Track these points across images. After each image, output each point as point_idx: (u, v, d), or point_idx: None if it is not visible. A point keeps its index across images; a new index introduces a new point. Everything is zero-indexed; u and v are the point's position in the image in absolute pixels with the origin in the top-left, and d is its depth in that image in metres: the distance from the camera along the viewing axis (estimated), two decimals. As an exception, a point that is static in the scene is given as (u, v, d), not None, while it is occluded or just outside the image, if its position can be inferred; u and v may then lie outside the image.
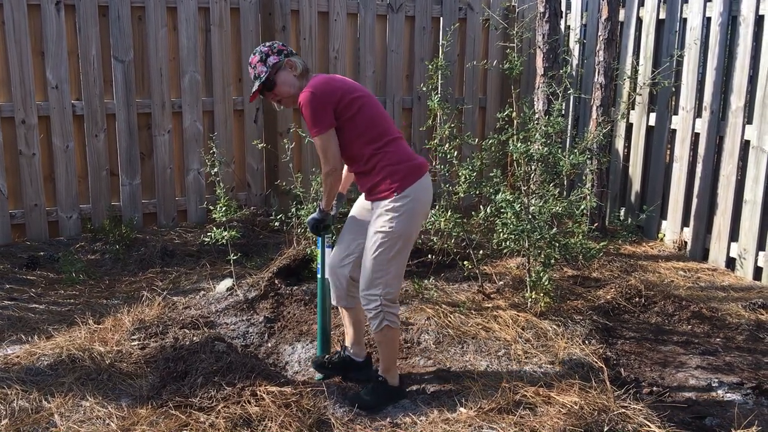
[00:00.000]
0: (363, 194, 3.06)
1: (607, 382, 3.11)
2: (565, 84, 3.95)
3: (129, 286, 4.33)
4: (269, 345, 3.60)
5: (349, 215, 3.13)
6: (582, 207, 3.69)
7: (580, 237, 3.93)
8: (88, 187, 5.13)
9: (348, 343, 3.27)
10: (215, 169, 4.21)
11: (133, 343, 3.46)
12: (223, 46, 5.31)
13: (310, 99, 2.76)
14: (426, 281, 4.15)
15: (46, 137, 4.95)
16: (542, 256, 3.69)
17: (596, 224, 5.06)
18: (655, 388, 3.23)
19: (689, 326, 3.93)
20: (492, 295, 4.12)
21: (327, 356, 3.28)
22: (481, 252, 4.12)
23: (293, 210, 4.41)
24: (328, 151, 2.84)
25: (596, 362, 3.37)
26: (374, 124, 2.87)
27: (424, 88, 4.33)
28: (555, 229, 3.59)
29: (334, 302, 3.18)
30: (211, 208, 4.35)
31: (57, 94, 4.91)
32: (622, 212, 5.63)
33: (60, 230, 5.08)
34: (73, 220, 5.10)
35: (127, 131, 5.15)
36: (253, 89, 2.92)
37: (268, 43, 2.92)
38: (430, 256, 4.23)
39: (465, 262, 4.10)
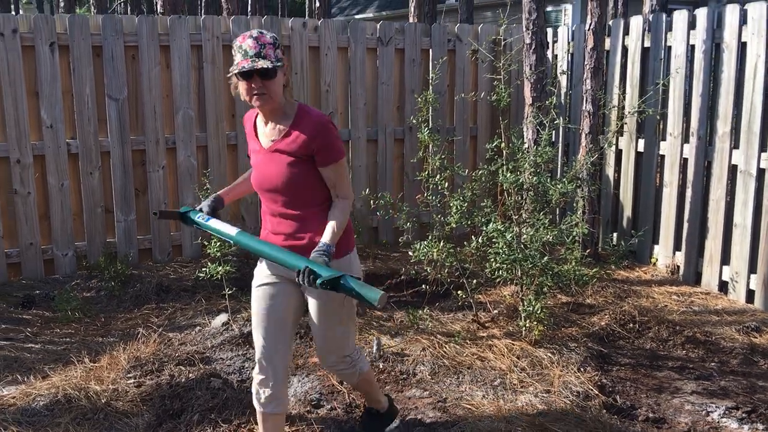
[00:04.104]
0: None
1: (603, 411, 3.12)
2: (552, 114, 4.01)
3: (125, 322, 4.34)
4: (265, 379, 3.60)
5: (259, 289, 2.65)
6: (573, 234, 3.73)
7: (573, 264, 3.97)
8: (83, 225, 5.16)
9: (369, 404, 3.09)
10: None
11: (128, 381, 3.46)
12: (215, 82, 5.38)
13: (330, 122, 2.51)
14: (421, 311, 4.17)
15: (41, 176, 4.99)
16: (535, 284, 3.72)
17: (589, 250, 5.10)
18: (651, 415, 3.24)
19: (684, 351, 3.95)
20: (487, 324, 4.14)
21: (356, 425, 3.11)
22: (474, 281, 4.14)
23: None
24: (347, 178, 2.57)
25: (591, 390, 3.38)
26: None
27: (414, 121, 4.39)
28: (547, 257, 3.62)
29: (270, 409, 2.62)
30: (206, 243, 4.38)
31: (52, 134, 4.96)
32: (614, 238, 5.68)
33: (56, 268, 5.09)
34: (69, 257, 5.11)
35: (122, 168, 5.20)
36: (262, 64, 2.35)
37: (271, 33, 2.48)
38: (424, 286, 4.26)
39: (459, 292, 4.12)
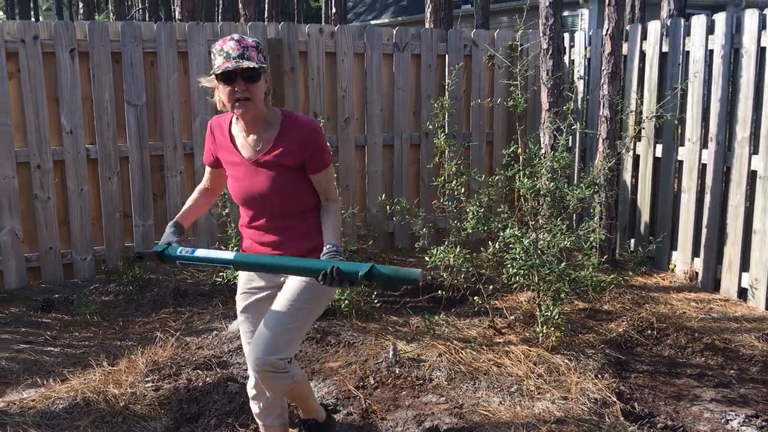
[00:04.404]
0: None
1: (621, 418, 3.09)
2: (570, 120, 4.00)
3: (142, 327, 4.37)
4: (282, 384, 3.61)
5: (242, 315, 2.64)
6: (591, 240, 3.71)
7: (590, 270, 3.95)
8: (101, 229, 5.21)
9: (305, 415, 2.92)
10: (226, 210, 4.27)
11: (146, 385, 3.49)
12: (233, 88, 5.41)
13: (320, 128, 2.47)
14: (437, 317, 4.16)
15: (61, 181, 5.04)
16: (552, 290, 3.71)
17: (606, 256, 5.07)
18: (669, 423, 3.21)
19: (703, 358, 3.91)
20: (503, 330, 4.13)
21: None
22: (491, 287, 4.13)
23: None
24: (334, 181, 2.56)
25: (609, 397, 3.36)
26: None
27: (431, 126, 4.39)
28: (564, 263, 3.60)
29: (270, 422, 2.64)
30: (223, 247, 4.40)
31: (71, 139, 5.02)
32: (632, 244, 5.64)
33: (74, 272, 5.14)
34: (88, 262, 5.16)
35: (140, 173, 5.24)
36: (246, 64, 2.26)
37: (252, 38, 2.42)
38: (440, 291, 4.25)
39: (475, 297, 4.11)
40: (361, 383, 3.55)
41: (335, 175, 4.63)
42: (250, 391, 2.63)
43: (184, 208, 2.63)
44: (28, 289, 4.95)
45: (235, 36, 2.33)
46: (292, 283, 2.47)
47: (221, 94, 2.35)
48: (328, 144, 2.49)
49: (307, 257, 2.42)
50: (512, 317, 4.25)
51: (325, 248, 2.35)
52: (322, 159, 2.44)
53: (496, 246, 3.73)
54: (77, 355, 3.93)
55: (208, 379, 3.49)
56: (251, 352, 2.43)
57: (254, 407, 2.65)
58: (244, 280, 2.64)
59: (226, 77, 2.28)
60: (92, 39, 4.99)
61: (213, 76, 2.35)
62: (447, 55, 6.03)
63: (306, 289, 2.44)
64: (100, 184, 5.16)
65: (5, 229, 4.89)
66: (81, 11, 14.93)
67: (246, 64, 2.25)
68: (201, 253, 2.34)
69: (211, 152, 2.57)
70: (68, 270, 5.14)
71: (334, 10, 12.96)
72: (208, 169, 2.66)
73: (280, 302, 2.46)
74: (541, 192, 3.55)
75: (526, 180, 3.53)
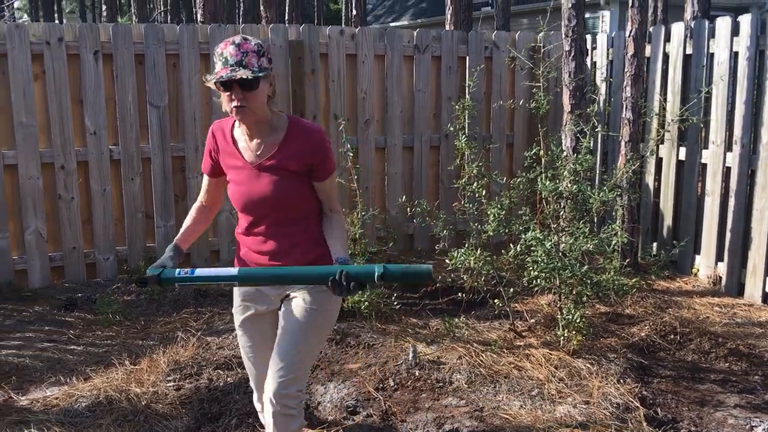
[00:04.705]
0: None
1: (644, 423, 3.06)
2: (593, 122, 3.97)
3: (164, 326, 4.40)
4: (302, 385, 3.61)
5: (240, 329, 2.61)
6: (613, 243, 3.68)
7: (612, 273, 3.92)
8: (124, 230, 5.25)
9: None
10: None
11: (168, 384, 3.51)
12: (254, 90, 5.43)
13: (326, 135, 2.41)
14: (457, 320, 4.15)
15: (85, 181, 5.09)
16: (574, 293, 3.68)
17: (628, 260, 5.02)
18: (693, 428, 3.17)
19: (726, 364, 3.86)
20: (524, 333, 4.11)
21: None
22: (511, 290, 4.11)
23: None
24: (336, 190, 2.54)
25: (632, 402, 3.33)
26: None
27: (451, 128, 4.38)
28: (586, 267, 3.58)
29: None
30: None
31: (95, 140, 5.07)
32: (654, 247, 5.58)
33: (97, 272, 5.19)
34: (110, 261, 5.21)
35: (162, 174, 5.28)
36: (242, 74, 2.17)
37: (256, 40, 2.29)
38: (460, 294, 4.24)
39: (496, 300, 4.09)
40: (381, 385, 3.55)
41: (356, 177, 4.64)
42: (257, 405, 2.69)
43: (183, 228, 2.54)
44: (51, 288, 5.00)
45: (237, 39, 2.24)
46: (299, 310, 2.41)
47: (222, 97, 2.31)
48: (332, 152, 2.44)
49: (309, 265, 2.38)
50: (533, 320, 4.22)
51: (335, 261, 2.32)
52: (328, 166, 2.40)
53: (518, 248, 3.71)
54: (100, 353, 3.97)
55: (228, 379, 3.51)
56: (267, 389, 2.39)
57: (263, 420, 2.64)
58: (241, 291, 2.58)
59: (223, 84, 2.23)
60: (116, 41, 5.04)
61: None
62: (467, 57, 6.01)
63: (313, 314, 2.40)
64: (123, 184, 5.20)
65: (30, 229, 4.95)
66: (104, 14, 15.10)
67: (241, 74, 2.17)
68: (201, 272, 2.24)
69: (211, 158, 2.48)
70: (91, 270, 5.19)
71: (354, 12, 12.99)
72: (205, 181, 2.56)
73: (290, 332, 2.40)
74: (564, 195, 3.53)
75: (548, 182, 3.50)
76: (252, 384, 2.71)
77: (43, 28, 4.91)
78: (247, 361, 2.65)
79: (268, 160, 2.35)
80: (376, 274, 2.15)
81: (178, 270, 2.24)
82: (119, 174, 5.19)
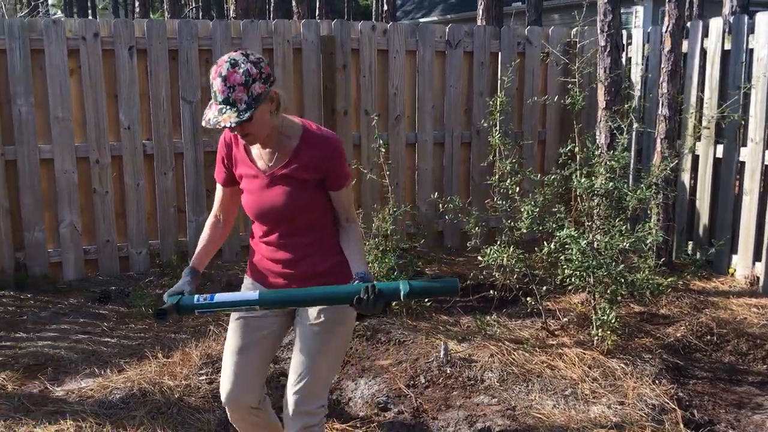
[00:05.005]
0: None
1: (681, 425, 3.01)
2: (631, 118, 3.90)
3: (196, 320, 4.43)
4: (332, 381, 3.61)
5: (241, 319, 2.45)
6: (649, 242, 3.62)
7: (647, 272, 3.85)
8: (156, 224, 5.30)
9: None
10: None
11: (201, 378, 3.53)
12: (286, 85, 5.45)
13: (341, 143, 2.32)
14: (488, 317, 4.12)
15: (118, 176, 5.15)
16: (608, 292, 3.62)
17: (663, 259, 4.94)
18: (730, 431, 3.11)
19: (765, 366, 3.78)
20: (556, 332, 4.06)
21: None
22: (544, 288, 4.06)
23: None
24: (352, 199, 2.43)
25: (668, 403, 3.27)
26: None
27: (485, 124, 4.34)
28: (622, 266, 3.52)
29: None
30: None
31: (129, 135, 5.12)
32: (690, 246, 5.48)
33: (130, 265, 5.25)
34: (143, 255, 5.26)
35: (194, 169, 5.32)
36: (226, 121, 2.07)
37: (251, 56, 2.12)
38: (492, 291, 4.20)
39: (528, 298, 4.05)
40: (412, 382, 3.54)
41: (387, 173, 4.63)
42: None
43: (198, 249, 2.44)
44: (85, 280, 5.07)
45: (223, 69, 2.08)
46: (315, 322, 2.35)
47: None
48: (346, 162, 2.36)
49: (323, 277, 2.32)
50: (565, 319, 4.17)
51: (355, 276, 2.24)
52: (342, 175, 2.32)
53: (552, 246, 3.67)
54: (133, 346, 4.01)
55: (266, 369, 3.51)
56: (289, 405, 2.32)
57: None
58: (245, 288, 2.50)
59: None
60: (150, 37, 5.08)
61: None
62: (500, 53, 5.96)
63: (330, 325, 2.34)
64: (156, 179, 5.25)
65: (65, 222, 5.02)
66: (137, 10, 15.27)
67: (225, 120, 2.06)
68: (221, 297, 2.16)
69: (224, 166, 2.40)
70: (124, 263, 5.24)
71: (384, 7, 12.96)
72: (219, 191, 2.46)
73: (311, 346, 2.34)
74: (599, 192, 3.47)
75: (583, 180, 3.45)
76: (224, 392, 2.42)
77: (79, 23, 4.97)
78: (232, 365, 2.41)
79: (281, 170, 2.28)
80: (402, 292, 2.12)
81: (196, 297, 2.16)
82: (152, 168, 5.24)
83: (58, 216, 5.02)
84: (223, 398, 2.43)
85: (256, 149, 2.32)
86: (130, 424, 3.14)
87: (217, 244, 2.50)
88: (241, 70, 2.06)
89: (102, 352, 3.92)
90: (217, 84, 2.08)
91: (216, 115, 2.08)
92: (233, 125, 2.07)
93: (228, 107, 2.08)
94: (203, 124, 2.11)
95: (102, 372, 3.66)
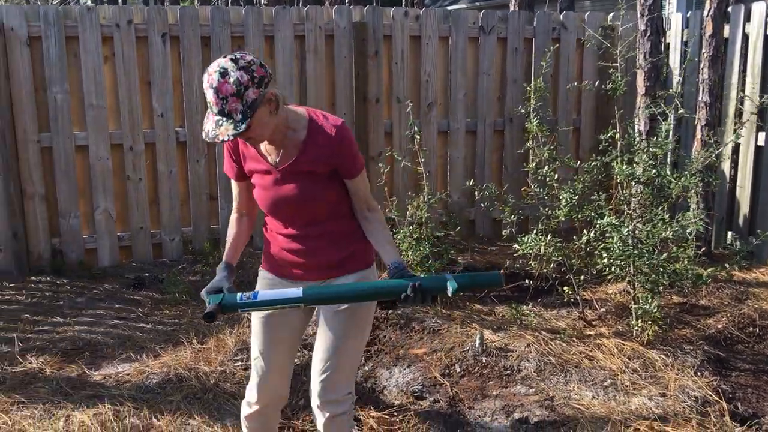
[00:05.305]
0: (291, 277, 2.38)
1: (728, 418, 2.93)
2: (675, 103, 3.79)
3: (229, 307, 4.43)
4: (366, 369, 3.59)
5: (259, 321, 2.42)
6: (692, 231, 3.53)
7: (686, 262, 3.76)
8: (189, 211, 5.31)
9: None
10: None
11: (236, 364, 3.53)
12: (317, 72, 5.42)
13: (349, 130, 2.26)
14: (524, 307, 4.06)
15: (152, 163, 5.16)
16: (649, 282, 3.54)
17: (703, 249, 4.83)
18: (777, 425, 3.02)
19: (811, 359, 3.68)
20: (593, 322, 3.99)
21: None
22: (582, 277, 3.98)
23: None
24: (368, 186, 2.37)
25: (710, 395, 3.19)
26: None
27: (522, 110, 4.26)
28: (665, 255, 3.44)
29: None
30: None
31: (162, 122, 5.13)
32: (729, 236, 5.36)
33: (163, 252, 5.27)
34: (176, 242, 5.28)
35: (227, 156, 5.30)
36: (224, 134, 2.02)
37: (241, 61, 2.03)
38: (527, 281, 4.13)
39: (565, 288, 3.98)
40: (447, 371, 3.50)
41: (422, 160, 4.58)
42: (247, 409, 2.48)
43: (227, 244, 2.41)
44: (119, 267, 5.10)
45: (215, 79, 2.01)
46: (338, 310, 2.33)
47: None
48: (357, 149, 2.30)
49: (341, 265, 2.33)
50: (603, 309, 4.10)
51: (390, 267, 2.22)
52: (356, 162, 2.27)
53: (591, 235, 3.59)
54: (168, 332, 4.03)
55: (296, 360, 3.50)
56: (320, 389, 2.33)
57: (248, 422, 2.50)
58: (264, 287, 2.43)
59: None
60: (183, 23, 5.08)
61: None
62: (534, 39, 5.86)
63: (353, 312, 2.33)
64: (188, 166, 5.26)
65: (99, 209, 5.05)
66: (166, -2, 15.30)
67: (222, 133, 2.02)
68: (264, 295, 2.14)
69: (233, 160, 2.36)
70: (157, 249, 5.27)
71: (414, -6, 12.84)
72: (235, 187, 2.44)
73: (340, 329, 2.33)
74: (641, 180, 3.38)
75: (625, 167, 3.37)
76: (254, 385, 2.43)
77: (113, 10, 4.98)
78: (260, 359, 2.41)
79: (291, 164, 2.23)
80: (451, 290, 2.09)
81: (239, 295, 2.15)
82: (185, 156, 5.25)
83: (93, 203, 5.05)
84: (253, 398, 2.43)
85: (263, 144, 2.27)
86: (167, 408, 3.15)
87: (245, 237, 2.47)
88: (232, 80, 2.00)
89: (137, 338, 3.94)
90: (210, 95, 2.03)
91: (213, 128, 2.03)
92: (231, 138, 2.01)
93: (224, 119, 2.03)
94: (203, 136, 2.07)
95: (138, 357, 3.68)
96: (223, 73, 2.00)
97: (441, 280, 2.12)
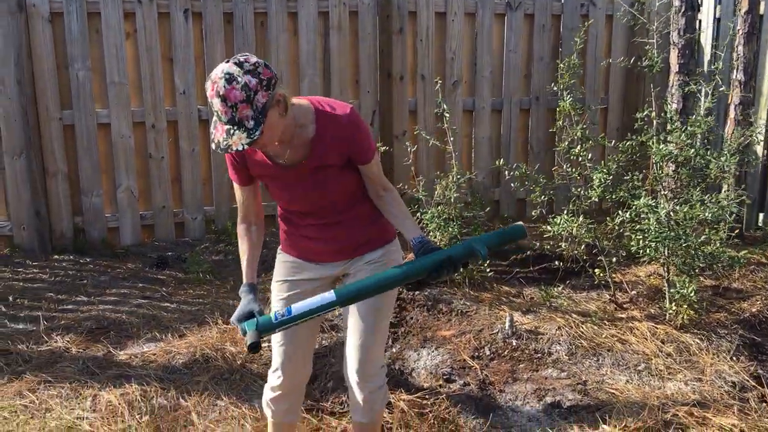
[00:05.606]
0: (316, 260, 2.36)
1: (764, 404, 2.86)
2: (717, 80, 3.67)
3: (253, 287, 4.40)
4: (394, 350, 3.54)
5: (280, 303, 2.38)
6: (730, 212, 3.43)
7: (718, 244, 3.66)
8: (211, 190, 5.26)
9: None
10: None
11: (263, 345, 3.48)
12: (341, 49, 5.33)
13: (358, 115, 2.20)
14: (554, 289, 3.99)
15: (174, 141, 5.11)
16: (685, 264, 3.45)
17: (737, 230, 4.72)
18: (819, 413, 2.94)
19: None
20: (625, 305, 3.91)
21: None
22: (614, 259, 3.90)
23: (417, 214, 4.32)
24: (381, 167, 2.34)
25: (748, 381, 3.12)
26: None
27: (555, 88, 4.15)
28: (703, 237, 3.34)
29: (289, 419, 2.51)
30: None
31: (184, 100, 5.06)
32: (761, 218, 5.24)
33: (185, 231, 5.23)
34: (198, 221, 5.24)
35: (249, 135, 5.24)
36: (237, 144, 1.92)
37: (246, 64, 1.93)
38: (557, 262, 4.05)
39: (596, 270, 3.90)
40: (476, 354, 3.45)
41: (451, 139, 4.49)
42: (271, 393, 2.46)
43: (244, 263, 2.32)
44: (142, 246, 5.07)
45: (220, 86, 1.90)
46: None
47: None
48: (370, 136, 2.25)
49: (366, 242, 2.33)
50: (634, 292, 4.01)
51: (414, 243, 2.19)
52: (369, 148, 2.22)
53: (627, 216, 3.50)
54: (193, 311, 3.99)
55: (323, 341, 3.46)
56: (351, 373, 2.35)
57: (269, 405, 2.48)
58: (287, 269, 2.39)
59: None
60: (205, -1, 5.00)
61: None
62: (562, 15, 5.72)
63: (386, 293, 2.25)
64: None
65: (122, 187, 5.01)
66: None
67: (236, 142, 1.91)
68: (298, 308, 2.07)
69: (238, 165, 2.25)
70: (179, 229, 5.23)
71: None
72: (240, 194, 2.32)
73: (371, 306, 2.30)
74: (678, 159, 3.28)
75: (662, 146, 3.27)
76: (277, 367, 2.42)
77: (134, -14, 4.91)
78: (283, 342, 2.39)
79: (304, 160, 2.17)
80: (482, 253, 2.11)
81: (273, 314, 2.09)
82: (207, 134, 5.18)
83: (115, 181, 5.01)
84: (278, 382, 2.42)
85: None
86: (195, 389, 3.12)
87: (259, 248, 2.37)
88: (240, 85, 1.89)
89: (162, 317, 3.91)
90: (217, 104, 1.91)
91: (225, 138, 1.92)
92: (246, 147, 1.92)
93: (235, 128, 1.92)
94: (213, 148, 1.97)
95: (163, 337, 3.65)
96: (230, 79, 1.90)
97: (468, 248, 2.13)
